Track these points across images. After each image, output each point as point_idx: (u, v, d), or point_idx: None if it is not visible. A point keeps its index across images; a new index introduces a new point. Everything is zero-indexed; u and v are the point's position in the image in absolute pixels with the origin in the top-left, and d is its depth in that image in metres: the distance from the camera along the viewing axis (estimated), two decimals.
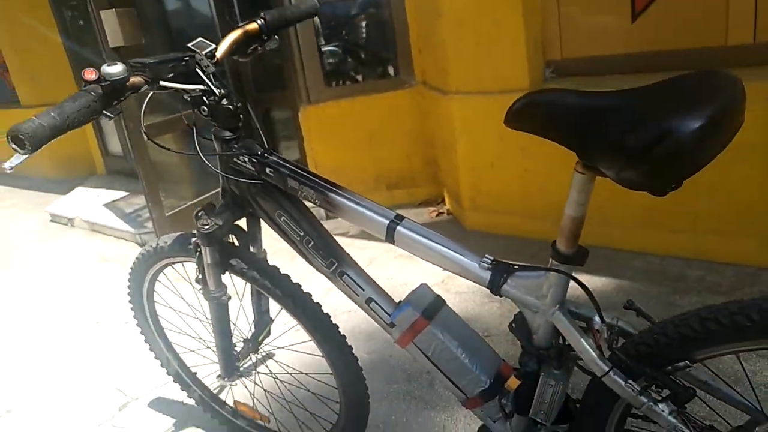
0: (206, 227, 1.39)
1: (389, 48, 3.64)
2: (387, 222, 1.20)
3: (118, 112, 1.12)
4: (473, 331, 1.31)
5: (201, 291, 1.54)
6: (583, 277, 1.07)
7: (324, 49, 3.78)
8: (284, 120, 4.25)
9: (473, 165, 3.10)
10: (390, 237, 1.20)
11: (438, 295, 1.31)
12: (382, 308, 1.31)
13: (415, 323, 1.26)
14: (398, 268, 2.94)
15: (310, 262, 1.37)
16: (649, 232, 2.66)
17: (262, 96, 4.25)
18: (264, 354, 1.77)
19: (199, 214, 1.42)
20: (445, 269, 1.18)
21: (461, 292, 2.66)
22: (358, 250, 3.23)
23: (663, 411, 1.01)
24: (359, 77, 3.98)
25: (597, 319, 1.11)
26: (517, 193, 3.01)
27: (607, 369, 1.04)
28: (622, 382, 1.03)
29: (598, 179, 0.95)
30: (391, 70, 3.80)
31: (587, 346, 1.06)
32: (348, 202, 1.23)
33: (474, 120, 3.01)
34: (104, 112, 1.09)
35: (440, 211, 3.58)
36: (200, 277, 1.51)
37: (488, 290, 1.13)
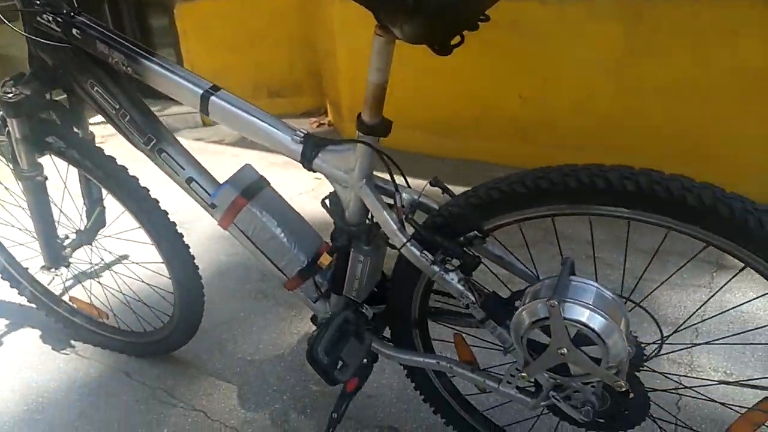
0: (9, 96, 1.27)
1: None
2: (201, 91, 1.14)
3: None
4: (295, 213, 1.30)
5: (14, 171, 1.43)
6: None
7: None
8: (159, 16, 3.95)
9: (353, 74, 3.04)
10: (204, 107, 1.15)
11: (262, 176, 1.29)
12: (203, 188, 1.27)
13: (235, 202, 1.23)
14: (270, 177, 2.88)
15: (128, 139, 1.30)
16: (521, 146, 2.76)
17: None
18: (98, 246, 1.70)
19: (4, 82, 1.29)
20: (260, 143, 1.15)
21: None
22: (231, 157, 3.15)
23: (452, 280, 1.06)
24: None
25: (405, 195, 1.13)
26: (395, 105, 3.00)
27: (404, 240, 1.07)
28: (418, 253, 1.07)
29: None
30: None
31: (389, 219, 1.08)
32: (159, 69, 1.16)
33: (353, 25, 2.93)
34: None
35: (321, 122, 3.53)
36: (11, 155, 1.40)
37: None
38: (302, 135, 1.11)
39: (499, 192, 0.98)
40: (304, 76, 3.58)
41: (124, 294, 1.83)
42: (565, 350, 0.94)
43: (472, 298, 1.06)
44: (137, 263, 1.75)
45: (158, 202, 1.45)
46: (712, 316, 1.84)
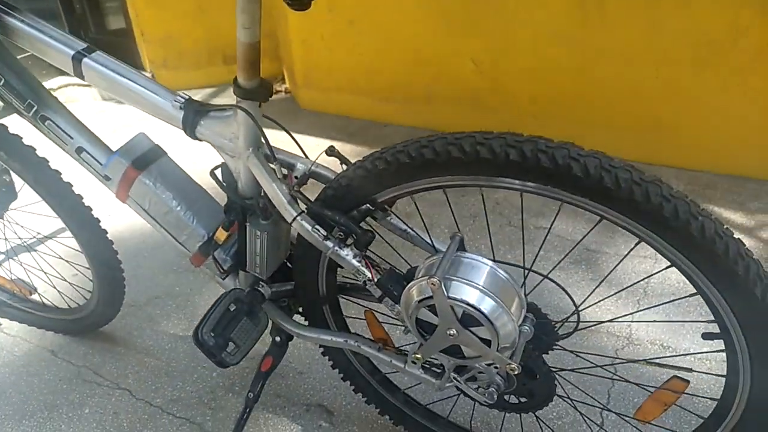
0: None
1: None
2: (72, 52, 1.05)
3: None
4: (195, 185, 1.22)
5: None
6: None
7: None
8: None
9: (304, 37, 2.93)
10: (78, 70, 1.06)
11: (157, 145, 1.21)
12: (94, 159, 1.19)
13: (126, 173, 1.15)
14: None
15: (8, 106, 1.21)
16: (474, 114, 2.67)
17: None
18: (11, 220, 1.62)
19: None
20: (138, 108, 1.06)
21: None
22: None
23: (347, 256, 0.99)
24: None
25: (299, 165, 1.05)
26: (348, 70, 2.90)
27: (294, 214, 1.00)
28: (309, 228, 1.00)
29: None
30: None
31: (278, 191, 1.00)
32: (27, 28, 1.07)
33: None
34: None
35: (278, 89, 3.41)
36: None
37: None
38: (183, 100, 1.02)
39: (385, 162, 0.90)
40: None
41: (45, 272, 1.75)
42: (453, 331, 0.88)
43: (368, 275, 0.99)
44: (54, 238, 1.67)
45: (60, 173, 1.36)
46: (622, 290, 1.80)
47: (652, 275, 1.85)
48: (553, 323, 1.02)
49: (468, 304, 0.84)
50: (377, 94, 2.85)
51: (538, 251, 1.03)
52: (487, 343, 0.88)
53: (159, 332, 1.79)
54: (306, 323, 1.23)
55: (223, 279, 1.26)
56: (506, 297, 0.87)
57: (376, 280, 0.99)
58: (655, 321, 1.70)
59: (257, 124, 0.97)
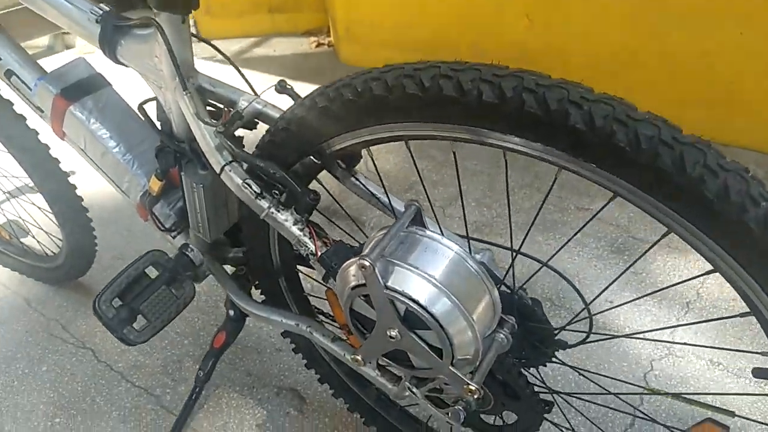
0: None
1: None
2: None
3: None
4: (142, 124, 1.02)
5: None
6: None
7: None
8: None
9: None
10: None
11: (98, 74, 1.02)
12: (24, 84, 1.01)
13: (55, 104, 0.97)
14: None
15: None
16: None
17: None
18: None
19: None
20: (56, 23, 0.86)
21: None
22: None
23: (286, 221, 0.77)
24: None
25: (242, 102, 0.83)
26: (391, 24, 2.65)
27: (222, 163, 0.79)
28: (239, 181, 0.78)
29: None
30: None
31: (205, 133, 0.79)
32: None
33: None
34: None
35: (321, 41, 3.19)
36: None
37: None
38: (101, 11, 0.81)
39: (326, 99, 0.67)
40: None
41: (21, 218, 1.63)
42: (395, 333, 0.65)
43: (311, 247, 0.77)
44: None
45: (25, 118, 1.21)
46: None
47: (686, 281, 1.55)
48: (551, 330, 0.78)
49: (410, 299, 0.61)
50: (420, 51, 2.58)
51: (528, 229, 0.78)
52: (438, 353, 0.64)
53: None
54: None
55: (174, 238, 1.07)
56: (469, 293, 0.63)
57: (319, 254, 0.76)
58: (695, 344, 1.41)
59: (184, 44, 0.76)
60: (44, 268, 1.59)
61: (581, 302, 0.75)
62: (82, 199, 1.38)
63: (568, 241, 1.73)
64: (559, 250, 1.00)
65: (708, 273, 0.60)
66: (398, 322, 0.63)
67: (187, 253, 0.93)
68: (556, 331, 0.77)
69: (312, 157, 0.74)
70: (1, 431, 1.28)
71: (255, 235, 0.93)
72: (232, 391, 1.35)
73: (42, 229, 1.60)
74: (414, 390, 0.76)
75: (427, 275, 0.61)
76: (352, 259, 0.65)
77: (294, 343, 1.11)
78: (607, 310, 1.47)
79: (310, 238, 0.77)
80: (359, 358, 0.74)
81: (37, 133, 1.24)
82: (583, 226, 1.38)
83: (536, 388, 0.80)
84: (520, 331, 0.78)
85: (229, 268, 1.07)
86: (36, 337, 1.51)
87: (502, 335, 0.68)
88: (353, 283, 0.65)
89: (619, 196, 0.58)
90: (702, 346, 1.39)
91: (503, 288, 0.72)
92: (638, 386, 1.16)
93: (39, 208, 1.51)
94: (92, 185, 1.44)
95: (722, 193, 0.51)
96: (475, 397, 0.65)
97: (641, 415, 0.88)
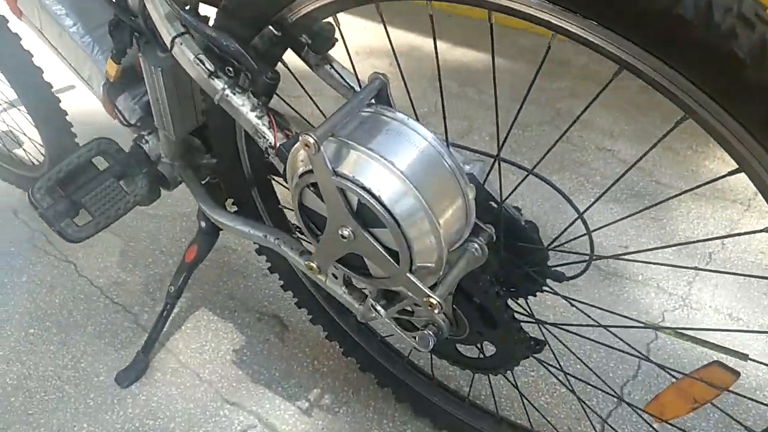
0: None
1: None
2: None
3: None
4: (103, 3, 0.92)
5: None
6: None
7: None
8: None
9: None
10: None
11: None
12: None
13: None
14: None
15: None
16: None
17: None
18: None
19: None
20: None
21: None
22: None
23: (242, 105, 0.67)
24: None
25: None
26: None
27: (173, 34, 0.68)
28: (190, 56, 0.68)
29: None
30: None
31: (156, 1, 0.68)
32: None
33: None
34: None
35: None
36: None
37: None
38: None
39: None
40: None
41: (7, 124, 1.56)
42: (348, 231, 0.55)
43: (269, 138, 0.67)
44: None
45: (7, 20, 1.11)
46: None
47: (711, 182, 1.42)
48: (541, 248, 0.67)
49: (362, 188, 0.50)
50: None
51: (510, 128, 0.67)
52: (396, 258, 0.54)
53: None
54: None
55: (148, 135, 0.98)
56: (436, 190, 0.52)
57: (278, 146, 0.66)
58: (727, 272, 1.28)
59: None
60: (29, 177, 1.52)
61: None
62: (66, 113, 1.31)
63: (552, 148, 1.60)
64: (545, 156, 0.88)
65: (733, 173, 0.48)
66: (350, 217, 0.53)
67: (141, 145, 0.83)
68: (548, 252, 0.66)
69: (272, 28, 0.63)
70: None
71: (222, 134, 0.83)
72: (212, 314, 1.28)
73: (29, 138, 1.53)
74: (378, 308, 0.66)
75: (385, 161, 0.50)
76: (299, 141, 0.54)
77: (270, 262, 1.02)
78: (619, 259, 1.35)
79: (269, 128, 0.67)
80: (313, 264, 0.64)
81: (20, 39, 1.15)
82: (569, 126, 1.25)
83: (520, 319, 0.70)
84: (507, 254, 0.68)
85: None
86: (19, 248, 1.46)
87: (476, 245, 0.57)
88: (301, 170, 0.55)
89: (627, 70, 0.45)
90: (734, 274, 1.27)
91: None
92: (639, 321, 1.05)
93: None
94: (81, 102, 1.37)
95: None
96: (436, 312, 0.55)
97: (641, 356, 0.77)
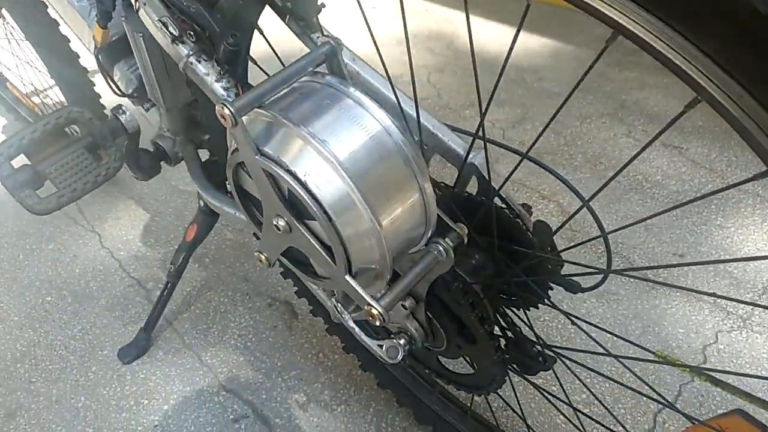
0: None
1: None
2: None
3: None
4: None
5: None
6: None
7: None
8: None
9: None
10: None
11: None
12: None
13: None
14: None
15: None
16: None
17: None
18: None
19: None
20: None
21: None
22: None
23: (207, 75, 0.60)
24: None
25: None
26: None
27: None
28: (153, 18, 0.61)
29: None
30: None
31: None
32: None
33: None
34: None
35: None
36: None
37: None
38: None
39: None
40: None
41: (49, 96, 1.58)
42: (282, 222, 0.47)
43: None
44: None
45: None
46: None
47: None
48: (540, 255, 0.56)
49: (285, 170, 0.42)
50: None
51: (486, 108, 0.56)
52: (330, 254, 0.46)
53: (158, 179, 1.56)
54: None
55: (147, 111, 0.94)
56: (381, 178, 0.43)
57: None
58: None
59: None
60: None
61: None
62: (94, 84, 1.30)
63: (547, 126, 1.45)
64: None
65: None
66: (280, 204, 0.45)
67: (118, 116, 0.78)
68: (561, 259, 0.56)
69: None
70: None
71: (210, 105, 0.77)
72: (224, 296, 1.24)
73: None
74: (340, 309, 0.58)
75: (316, 141, 0.42)
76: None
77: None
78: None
79: (235, 90, 0.60)
80: (262, 256, 0.57)
81: (45, 5, 1.14)
82: (570, 94, 1.10)
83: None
84: (503, 257, 0.58)
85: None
86: (52, 216, 1.47)
87: (440, 248, 0.48)
88: (233, 147, 0.47)
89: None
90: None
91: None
92: (646, 350, 0.92)
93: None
94: None
95: None
96: (377, 324, 0.46)
97: (664, 402, 0.64)
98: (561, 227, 0.59)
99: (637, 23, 0.35)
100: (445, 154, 0.61)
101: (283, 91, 0.46)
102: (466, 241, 0.49)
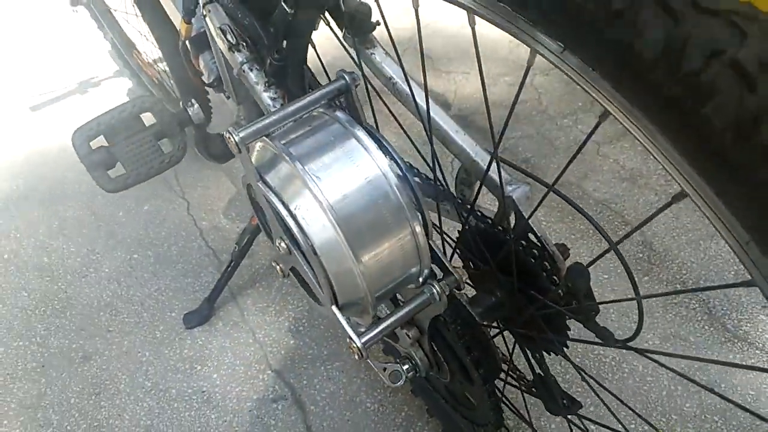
0: None
1: None
2: None
3: None
4: None
5: None
6: None
7: None
8: None
9: None
10: None
11: None
12: None
13: None
14: None
15: None
16: None
17: None
18: None
19: None
20: None
21: None
22: None
23: (257, 83, 0.63)
24: None
25: None
26: None
27: (205, 0, 0.66)
28: (215, 24, 0.65)
29: None
30: None
31: None
32: None
33: None
34: None
35: None
36: None
37: None
38: None
39: None
40: None
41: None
42: (283, 244, 0.49)
43: None
44: None
45: None
46: None
47: None
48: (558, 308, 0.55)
49: (280, 201, 0.44)
50: None
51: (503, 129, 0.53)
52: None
53: None
54: None
55: (227, 98, 0.99)
56: (368, 220, 0.43)
57: None
58: None
59: None
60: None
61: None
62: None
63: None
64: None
65: None
66: (280, 228, 0.47)
67: (187, 108, 0.83)
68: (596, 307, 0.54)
69: (283, 4, 0.58)
70: (92, 250, 1.40)
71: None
72: (287, 278, 1.30)
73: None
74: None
75: (312, 181, 0.43)
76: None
77: None
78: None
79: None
80: (278, 267, 0.59)
81: None
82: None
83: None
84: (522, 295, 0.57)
85: None
86: (151, 181, 1.61)
87: (434, 290, 0.47)
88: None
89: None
90: None
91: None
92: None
93: None
94: None
95: None
96: (356, 357, 0.47)
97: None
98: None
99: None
100: (488, 185, 0.60)
101: (301, 119, 0.47)
102: (462, 288, 0.48)
